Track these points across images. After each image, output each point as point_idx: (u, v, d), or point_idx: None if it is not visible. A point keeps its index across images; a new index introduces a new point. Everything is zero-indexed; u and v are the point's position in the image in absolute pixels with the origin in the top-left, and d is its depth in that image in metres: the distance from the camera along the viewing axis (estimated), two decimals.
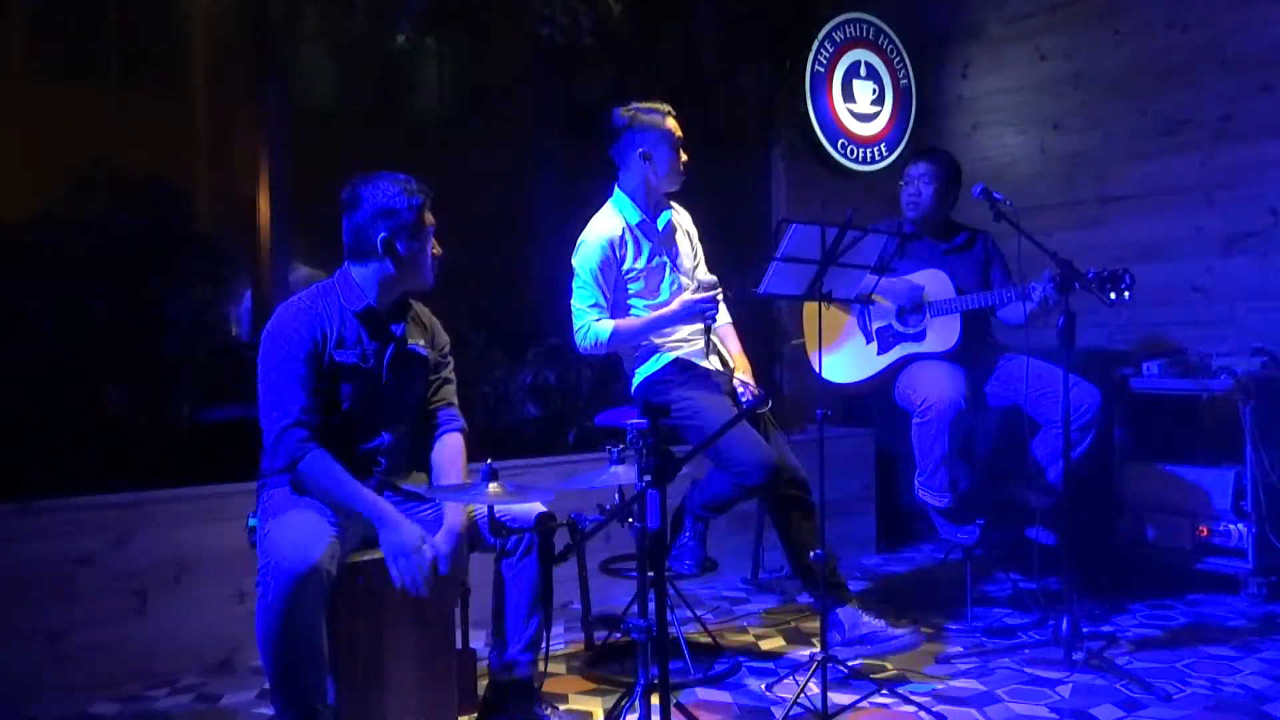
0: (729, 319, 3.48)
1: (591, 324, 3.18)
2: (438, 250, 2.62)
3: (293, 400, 2.43)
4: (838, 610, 3.12)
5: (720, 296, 3.18)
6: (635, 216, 3.27)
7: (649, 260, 3.26)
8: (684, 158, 3.26)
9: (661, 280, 3.28)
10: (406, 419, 2.68)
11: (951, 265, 3.79)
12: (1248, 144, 4.34)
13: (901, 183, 3.91)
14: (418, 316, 2.72)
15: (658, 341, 3.25)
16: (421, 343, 2.68)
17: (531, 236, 4.90)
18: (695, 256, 3.45)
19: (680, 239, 3.37)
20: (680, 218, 3.42)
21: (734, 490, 3.12)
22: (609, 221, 3.26)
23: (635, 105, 3.27)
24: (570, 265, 3.26)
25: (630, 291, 3.26)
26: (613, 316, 3.23)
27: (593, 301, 3.20)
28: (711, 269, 3.49)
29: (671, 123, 3.25)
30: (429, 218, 2.58)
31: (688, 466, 2.25)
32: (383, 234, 2.52)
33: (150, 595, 3.21)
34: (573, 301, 3.23)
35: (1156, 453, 4.14)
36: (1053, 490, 3.58)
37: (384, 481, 2.61)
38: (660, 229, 3.30)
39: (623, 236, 3.23)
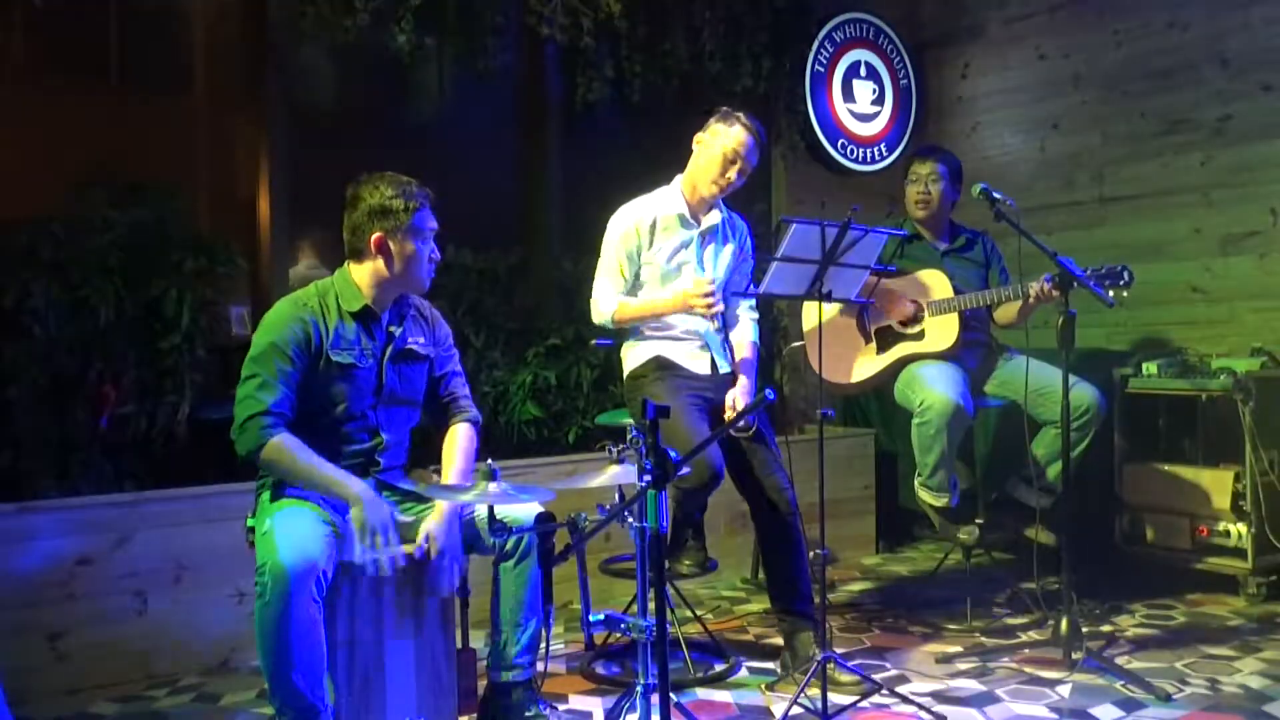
0: (755, 337, 3.36)
1: (601, 297, 3.21)
2: (436, 255, 2.62)
3: (267, 392, 2.41)
4: (798, 636, 3.12)
5: (715, 300, 3.11)
6: (679, 207, 3.24)
7: (670, 257, 3.21)
8: (730, 175, 3.16)
9: (677, 281, 3.22)
10: (407, 419, 2.68)
11: (951, 266, 3.78)
12: (1248, 144, 4.34)
13: (908, 181, 3.89)
14: (419, 313, 2.72)
15: (648, 334, 3.25)
16: (422, 340, 2.67)
17: (532, 236, 4.90)
18: (735, 273, 3.33)
19: (722, 250, 3.29)
20: (732, 230, 3.33)
21: (677, 491, 3.04)
22: (649, 203, 3.25)
23: (736, 112, 3.22)
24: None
25: (642, 281, 3.23)
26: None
27: (608, 276, 3.22)
28: None
29: (738, 134, 3.15)
30: (429, 222, 2.58)
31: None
32: (376, 234, 2.52)
33: (150, 595, 3.21)
34: (596, 271, 3.25)
35: (1156, 453, 4.14)
36: (1052, 490, 3.58)
37: (381, 481, 2.61)
38: (700, 230, 3.25)
39: (652, 222, 3.21)
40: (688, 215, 3.24)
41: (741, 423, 3.12)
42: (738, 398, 3.19)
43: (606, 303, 3.22)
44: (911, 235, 3.85)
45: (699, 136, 3.24)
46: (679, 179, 3.29)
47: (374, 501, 2.40)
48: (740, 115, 3.20)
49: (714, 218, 3.28)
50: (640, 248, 3.20)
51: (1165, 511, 4.03)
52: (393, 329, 2.62)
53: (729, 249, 3.31)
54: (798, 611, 3.14)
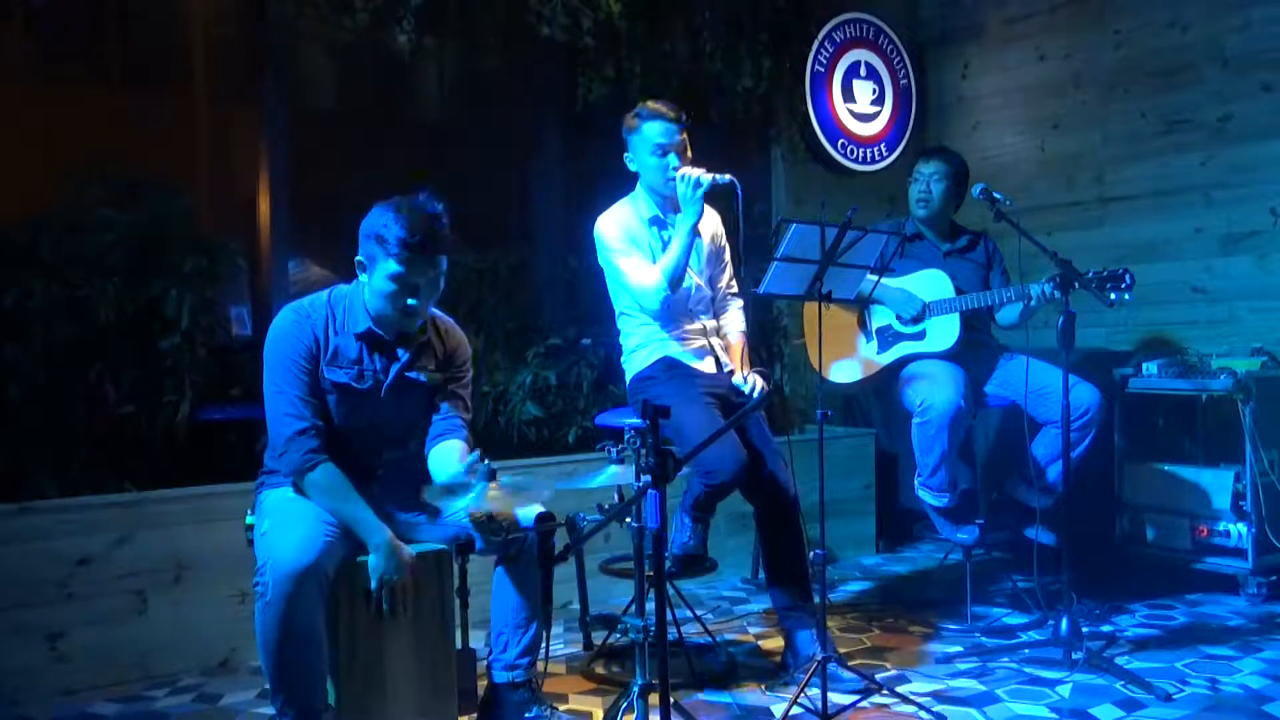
0: (743, 327, 3.42)
1: (641, 276, 3.15)
2: (417, 302, 2.45)
3: (301, 405, 2.42)
4: (799, 632, 3.12)
5: (689, 171, 3.06)
6: (650, 211, 3.26)
7: (655, 260, 3.22)
8: (674, 162, 3.13)
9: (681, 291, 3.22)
10: (407, 443, 2.63)
11: (952, 266, 3.79)
12: (1248, 144, 4.34)
13: (911, 179, 3.90)
14: (434, 337, 2.63)
15: (650, 336, 3.25)
16: (431, 367, 2.60)
17: (532, 236, 4.90)
18: (720, 261, 3.40)
19: (700, 246, 3.31)
20: (706, 222, 3.31)
21: (702, 488, 3.05)
22: (624, 210, 3.26)
23: (636, 108, 3.22)
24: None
25: None
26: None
27: (633, 260, 3.17)
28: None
29: (654, 128, 3.15)
30: (415, 270, 2.41)
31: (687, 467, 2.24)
32: (359, 255, 2.49)
33: (150, 595, 3.21)
34: (622, 277, 3.19)
35: (1156, 453, 4.14)
36: (1053, 490, 3.58)
37: (375, 500, 2.58)
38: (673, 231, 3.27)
39: (637, 224, 3.23)
40: (661, 217, 3.26)
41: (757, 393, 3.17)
42: (758, 384, 3.23)
43: (649, 274, 3.14)
44: (914, 234, 3.86)
45: (627, 156, 3.24)
46: (639, 188, 3.30)
47: (394, 552, 2.38)
48: (644, 107, 3.19)
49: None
50: (637, 239, 3.21)
51: (1165, 511, 4.03)
52: (400, 351, 2.55)
53: (709, 242, 3.35)
54: (799, 609, 3.14)
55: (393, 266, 2.41)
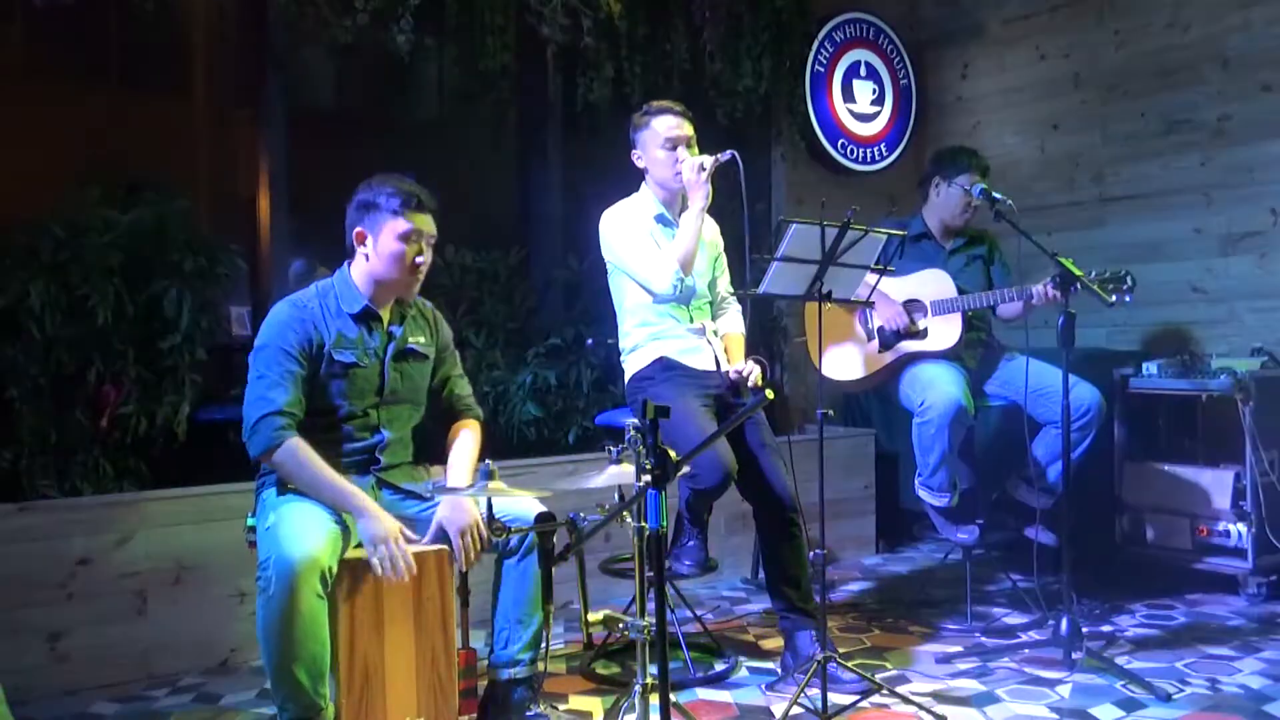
0: (741, 327, 3.44)
1: (651, 265, 3.16)
2: (424, 258, 2.58)
3: (278, 393, 2.43)
4: (799, 633, 3.13)
5: (696, 163, 3.12)
6: (655, 209, 3.28)
7: None
8: (680, 155, 3.18)
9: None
10: (407, 417, 2.69)
11: (955, 265, 3.79)
12: (1248, 144, 4.35)
13: (958, 186, 3.76)
14: (420, 313, 2.73)
15: (649, 336, 3.25)
16: (423, 340, 2.69)
17: (531, 236, 4.90)
18: (714, 269, 3.41)
19: (703, 248, 3.32)
20: (705, 226, 3.31)
21: (690, 492, 3.06)
22: (632, 206, 3.28)
23: (643, 107, 3.29)
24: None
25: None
26: (631, 297, 3.27)
27: (644, 250, 3.18)
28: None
29: (663, 121, 3.21)
30: (415, 223, 2.54)
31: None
32: (358, 228, 2.55)
33: (150, 595, 3.21)
34: (631, 265, 3.20)
35: (1156, 453, 4.14)
36: (1053, 490, 3.58)
37: (381, 479, 2.61)
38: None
39: (644, 220, 3.24)
40: (668, 216, 3.28)
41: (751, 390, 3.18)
42: (755, 372, 3.23)
43: (660, 260, 3.15)
44: (919, 234, 3.85)
45: (635, 153, 3.28)
46: (644, 187, 3.32)
47: (379, 515, 2.40)
48: (651, 104, 3.27)
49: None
50: (645, 233, 3.22)
51: (1165, 511, 4.03)
52: (394, 329, 2.63)
53: (705, 248, 3.34)
54: (799, 611, 3.14)
55: (401, 224, 2.52)
